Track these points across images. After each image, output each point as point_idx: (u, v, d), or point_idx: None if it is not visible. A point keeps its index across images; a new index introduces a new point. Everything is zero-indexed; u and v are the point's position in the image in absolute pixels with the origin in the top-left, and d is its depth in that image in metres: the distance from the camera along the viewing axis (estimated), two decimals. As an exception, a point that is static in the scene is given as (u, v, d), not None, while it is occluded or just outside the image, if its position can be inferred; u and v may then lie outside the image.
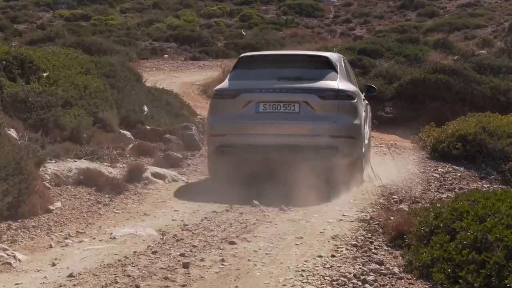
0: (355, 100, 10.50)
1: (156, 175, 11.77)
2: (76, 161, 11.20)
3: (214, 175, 10.94)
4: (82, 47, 27.84)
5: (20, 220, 8.52)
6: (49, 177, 10.16)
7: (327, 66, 10.59)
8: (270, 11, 62.74)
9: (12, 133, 11.03)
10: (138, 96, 17.11)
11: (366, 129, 11.42)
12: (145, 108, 16.97)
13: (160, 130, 15.60)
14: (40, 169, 10.06)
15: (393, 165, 12.90)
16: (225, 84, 10.75)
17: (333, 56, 11.28)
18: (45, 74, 14.15)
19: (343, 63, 11.23)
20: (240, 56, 11.46)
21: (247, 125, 10.18)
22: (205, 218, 9.31)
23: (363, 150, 10.99)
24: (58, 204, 9.31)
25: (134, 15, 57.46)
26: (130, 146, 14.02)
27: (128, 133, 14.92)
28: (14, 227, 8.26)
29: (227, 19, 58.27)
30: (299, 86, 10.06)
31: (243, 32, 49.36)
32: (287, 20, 56.42)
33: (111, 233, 8.41)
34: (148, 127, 15.67)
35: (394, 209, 9.88)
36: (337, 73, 10.57)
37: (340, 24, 57.08)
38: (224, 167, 10.54)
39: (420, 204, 10.21)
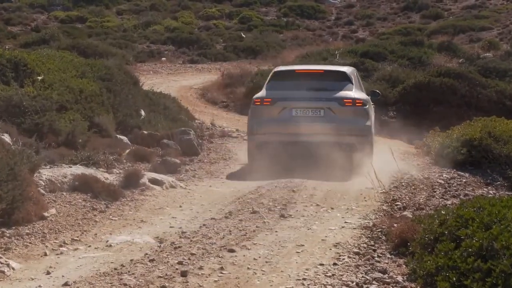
0: (367, 106, 13.27)
1: (153, 181, 11.78)
2: (71, 167, 11.20)
3: (252, 165, 13.28)
4: (78, 50, 27.86)
5: (14, 227, 8.52)
6: (43, 183, 10.16)
7: (345, 78, 13.30)
8: (270, 13, 62.79)
9: (6, 138, 11.05)
10: (135, 100, 17.13)
11: (373, 129, 13.88)
12: (142, 113, 16.99)
13: (158, 135, 15.61)
14: (35, 175, 10.06)
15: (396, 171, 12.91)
16: (263, 93, 13.26)
17: (348, 70, 14.07)
18: (39, 78, 14.17)
19: (355, 75, 13.96)
20: (274, 70, 14.16)
21: (283, 126, 12.75)
22: (204, 225, 9.32)
23: (372, 145, 13.54)
24: (53, 211, 9.32)
25: (131, 17, 57.51)
26: (127, 151, 14.03)
27: (124, 138, 14.93)
28: (8, 235, 8.27)
29: (226, 21, 58.33)
30: (323, 96, 12.79)
31: (243, 35, 49.40)
32: (288, 22, 56.46)
33: (107, 241, 8.41)
34: (145, 132, 15.68)
35: (398, 216, 9.89)
36: (352, 84, 13.35)
37: (342, 26, 57.12)
38: (261, 159, 12.97)
39: (424, 211, 10.21)
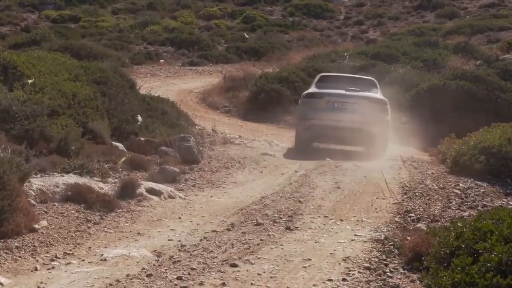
0: (387, 105, 17.61)
1: (151, 191, 11.78)
2: (63, 176, 11.21)
3: (298, 146, 17.82)
4: (71, 51, 27.91)
5: (2, 240, 8.52)
6: (34, 193, 10.17)
7: (372, 84, 18.23)
8: (275, 12, 62.88)
9: (-6, 145, 11.06)
10: (131, 104, 17.16)
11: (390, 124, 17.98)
12: (139, 118, 17.01)
13: (155, 142, 15.62)
14: (24, 185, 10.07)
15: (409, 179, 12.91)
16: (313, 89, 17.86)
17: (374, 79, 19.00)
18: (30, 81, 14.19)
19: (378, 83, 18.76)
20: (321, 75, 18.99)
21: (327, 115, 17.11)
22: (205, 238, 9.31)
23: (388, 138, 17.56)
24: (44, 222, 9.32)
25: (127, 16, 57.65)
26: (123, 159, 14.04)
27: (120, 145, 14.94)
28: (-4, 248, 8.27)
29: (228, 20, 58.43)
30: (357, 94, 17.26)
31: (246, 35, 49.48)
32: (294, 22, 56.54)
33: (102, 254, 8.41)
34: (142, 139, 15.70)
35: (411, 228, 9.88)
36: (378, 89, 18.15)
37: (352, 26, 57.18)
38: (306, 141, 17.76)
39: (439, 223, 10.20)
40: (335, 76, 19.13)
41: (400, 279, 7.65)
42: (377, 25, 56.52)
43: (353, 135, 17.10)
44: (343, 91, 17.32)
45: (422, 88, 23.90)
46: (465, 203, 11.96)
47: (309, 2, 63.17)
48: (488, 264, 6.36)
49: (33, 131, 12.73)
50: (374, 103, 17.35)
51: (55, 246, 8.70)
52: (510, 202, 12.26)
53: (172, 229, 9.85)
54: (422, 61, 30.44)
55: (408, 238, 8.78)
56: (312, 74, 28.14)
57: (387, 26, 56.14)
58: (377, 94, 17.73)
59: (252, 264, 8.02)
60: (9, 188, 8.73)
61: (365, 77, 19.43)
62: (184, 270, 7.69)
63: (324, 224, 10.32)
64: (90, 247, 8.78)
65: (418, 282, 7.49)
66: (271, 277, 7.54)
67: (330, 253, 8.63)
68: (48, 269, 7.89)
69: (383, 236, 9.46)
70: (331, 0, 66.12)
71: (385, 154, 16.91)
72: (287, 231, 9.83)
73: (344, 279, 7.52)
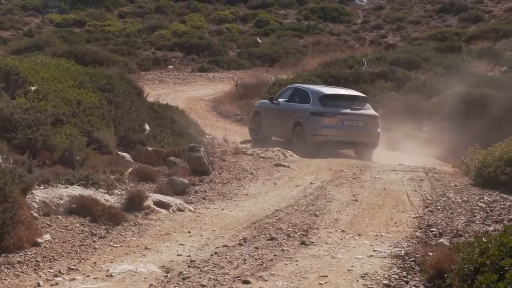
0: (379, 120, 20.93)
1: (159, 203, 11.80)
2: (67, 187, 11.25)
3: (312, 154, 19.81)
4: (75, 56, 28.06)
5: (3, 255, 8.55)
6: (37, 206, 10.20)
7: (366, 100, 21.44)
8: (289, 16, 62.98)
9: (-5, 155, 11.10)
10: (138, 113, 17.20)
11: None
12: (147, 127, 17.05)
13: (164, 152, 15.65)
14: (27, 197, 10.10)
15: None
16: (320, 108, 20.53)
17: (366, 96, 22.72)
18: (33, 88, 14.26)
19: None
20: (325, 94, 21.02)
21: (339, 131, 20.27)
22: (215, 253, 9.32)
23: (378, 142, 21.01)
24: (47, 236, 9.35)
25: (134, 20, 57.86)
26: (130, 170, 14.07)
27: (127, 155, 14.98)
28: (-3, 263, 8.30)
29: (240, 24, 58.57)
30: (361, 112, 20.59)
31: (259, 40, 49.58)
32: (309, 26, 56.61)
33: (108, 270, 8.43)
34: (149, 149, 15.73)
35: (433, 243, 9.85)
36: (369, 104, 21.39)
37: (370, 31, 57.20)
38: (320, 151, 19.83)
39: (463, 238, 10.17)
40: (339, 94, 21.50)
41: (421, 297, 7.63)
42: (396, 30, 56.50)
43: (359, 147, 20.74)
44: (349, 110, 20.60)
45: (445, 96, 23.84)
46: (490, 217, 11.93)
47: (325, 5, 63.28)
48: (515, 282, 6.33)
49: (36, 141, 12.78)
50: (373, 119, 20.73)
51: (58, 261, 8.72)
52: (537, 216, 12.21)
53: (181, 244, 9.86)
54: (444, 68, 30.37)
55: (430, 254, 8.75)
56: (328, 81, 28.22)
57: (407, 30, 56.12)
58: (372, 110, 21.12)
59: (266, 281, 8.02)
60: (10, 200, 8.77)
61: (360, 94, 22.39)
62: (194, 287, 7.68)
63: (341, 239, 10.30)
64: (95, 262, 8.80)
65: (440, 300, 7.47)
66: (285, 295, 7.54)
67: (348, 270, 8.61)
68: (52, 285, 7.91)
69: (403, 252, 9.44)
70: (348, 3, 66.16)
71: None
72: (302, 246, 9.82)
73: (362, 297, 7.51)
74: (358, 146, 20.61)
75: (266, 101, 23.41)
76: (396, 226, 11.20)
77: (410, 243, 10.08)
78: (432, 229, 10.91)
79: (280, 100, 22.23)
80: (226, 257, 9.06)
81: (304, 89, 21.77)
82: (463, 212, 12.30)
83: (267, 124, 22.24)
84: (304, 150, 19.82)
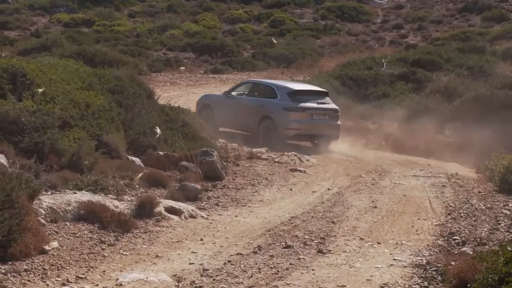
0: (339, 113, 22.78)
1: (170, 210, 11.82)
2: (76, 193, 11.28)
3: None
4: (84, 57, 28.12)
5: (10, 263, 8.58)
6: (44, 212, 10.24)
7: (327, 95, 23.13)
8: (306, 15, 63.00)
9: (1, 159, 11.15)
10: (149, 116, 17.23)
11: None
12: (158, 130, 17.07)
13: (175, 156, 15.67)
14: (34, 202, 10.14)
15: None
16: (292, 103, 22.11)
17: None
18: (40, 90, 14.30)
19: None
20: (294, 89, 22.70)
21: (308, 125, 21.94)
22: (229, 261, 9.32)
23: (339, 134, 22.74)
24: (55, 243, 9.37)
25: (145, 20, 58.00)
26: (140, 175, 14.10)
27: (137, 160, 15.00)
28: (3, 271, 8.33)
29: (254, 24, 58.61)
30: (326, 107, 22.41)
31: (274, 40, 49.59)
32: (326, 25, 56.60)
33: (117, 279, 8.45)
34: (161, 153, 15.76)
35: (456, 252, 9.83)
36: (329, 98, 23.21)
37: (390, 31, 57.12)
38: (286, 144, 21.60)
39: (487, 247, 10.13)
40: (306, 90, 23.35)
41: (443, 308, 7.60)
42: (417, 29, 56.40)
43: (324, 138, 22.33)
44: (316, 104, 22.34)
45: (468, 98, 23.77)
46: (516, 225, 11.89)
47: (343, 4, 63.20)
48: (542, 293, 6.31)
49: (43, 144, 12.82)
50: (335, 112, 22.50)
51: (66, 269, 8.75)
52: None
53: (194, 252, 9.87)
54: (467, 69, 30.32)
55: (453, 263, 8.73)
56: (346, 83, 28.19)
57: (429, 30, 56.02)
58: (333, 104, 22.89)
59: (281, 290, 8.01)
60: (17, 206, 8.80)
61: (322, 89, 24.08)
62: (207, 297, 7.69)
63: (359, 247, 10.28)
64: (104, 271, 8.81)
65: (463, 311, 7.45)
66: (301, 305, 7.53)
67: (367, 279, 8.59)
68: (59, 294, 7.93)
69: (424, 261, 9.42)
70: (367, 2, 66.07)
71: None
72: (319, 254, 9.81)
73: (382, 308, 7.49)
74: (323, 138, 22.29)
75: (217, 94, 25.46)
76: (417, 234, 11.18)
77: (432, 252, 10.05)
78: (455, 237, 10.88)
79: (234, 93, 23.59)
80: (240, 266, 9.06)
81: (268, 85, 23.42)
82: (487, 219, 12.26)
83: (220, 116, 23.08)
84: (273, 143, 21.04)
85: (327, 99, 22.86)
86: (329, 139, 22.31)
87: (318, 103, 22.39)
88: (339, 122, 22.50)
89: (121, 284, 8.26)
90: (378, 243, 10.58)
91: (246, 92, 23.49)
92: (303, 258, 9.54)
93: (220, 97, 24.04)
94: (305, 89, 23.45)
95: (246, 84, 24.51)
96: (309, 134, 22.43)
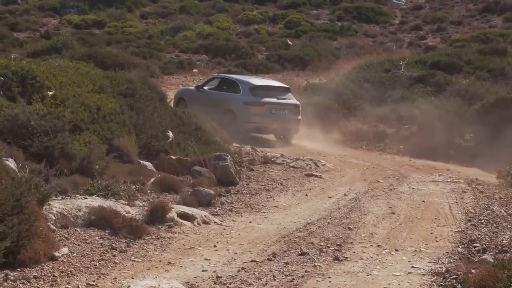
0: (300, 108, 24.45)
1: (183, 215, 11.83)
2: (86, 198, 11.31)
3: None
4: (95, 60, 28.32)
5: (19, 269, 8.60)
6: (54, 218, 10.27)
7: (289, 90, 24.91)
8: (322, 16, 63.00)
9: (11, 163, 11.19)
10: (161, 119, 17.27)
11: None
12: (170, 134, 17.10)
13: (188, 161, 15.69)
14: (44, 208, 10.17)
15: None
16: (251, 98, 23.84)
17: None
18: (50, 93, 14.37)
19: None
20: (255, 85, 24.43)
21: (267, 118, 23.59)
22: (243, 268, 9.32)
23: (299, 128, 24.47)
24: (65, 250, 9.40)
25: (157, 21, 58.17)
26: (152, 180, 14.12)
27: (149, 164, 15.03)
28: (12, 278, 8.35)
29: (269, 26, 58.66)
30: (286, 102, 24.13)
31: (289, 42, 49.61)
32: (343, 27, 56.58)
33: (129, 286, 8.46)
34: (173, 157, 15.78)
35: (476, 260, 9.79)
36: (291, 94, 24.96)
37: (408, 32, 57.04)
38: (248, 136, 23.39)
39: (508, 254, 10.09)
40: (267, 86, 25.00)
41: (463, 317, 7.58)
42: (436, 31, 56.31)
43: (284, 131, 24.05)
44: (276, 100, 24.02)
45: (488, 102, 23.67)
46: (538, 232, 11.84)
47: (360, 5, 63.17)
48: None
49: (53, 149, 12.86)
50: (295, 107, 24.15)
51: (77, 276, 8.77)
52: None
53: (207, 259, 9.87)
54: (488, 71, 30.23)
55: (473, 271, 8.70)
56: (363, 85, 28.16)
57: (448, 31, 55.89)
58: (295, 99, 24.54)
59: (296, 298, 8.00)
60: (27, 211, 8.83)
61: (286, 85, 25.84)
62: (220, 305, 7.69)
63: (377, 255, 10.27)
64: (115, 278, 8.83)
65: (484, 321, 7.42)
66: (317, 314, 7.52)
67: (384, 287, 8.57)
68: (69, 301, 7.95)
69: (444, 269, 9.39)
70: (385, 3, 66.00)
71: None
72: (336, 261, 9.80)
73: (400, 317, 7.48)
74: (283, 132, 24.07)
75: (191, 88, 27.70)
76: (436, 241, 11.15)
77: (451, 260, 10.02)
78: (475, 244, 10.85)
79: (206, 88, 25.57)
80: (254, 273, 9.06)
81: (233, 80, 25.26)
82: (509, 226, 12.22)
83: (193, 109, 23.73)
84: (236, 135, 22.32)
85: (289, 94, 24.57)
86: (289, 132, 24.04)
87: (278, 98, 24.10)
88: (299, 117, 24.26)
89: (132, 292, 8.27)
90: (396, 250, 10.56)
91: (214, 87, 25.40)
92: (319, 266, 9.53)
93: (193, 91, 25.93)
94: (266, 84, 25.22)
95: (216, 79, 26.48)
96: (268, 127, 23.89)
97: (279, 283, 8.62)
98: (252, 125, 23.88)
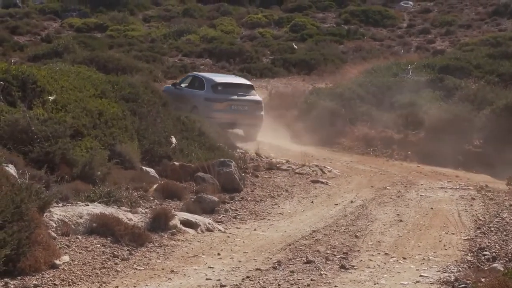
0: (262, 104, 26.16)
1: (186, 223, 11.83)
2: (88, 205, 11.31)
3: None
4: (97, 64, 28.34)
5: (19, 278, 8.61)
6: (55, 225, 10.27)
7: (252, 88, 26.62)
8: (328, 20, 63.05)
9: (11, 169, 11.20)
10: (164, 124, 17.29)
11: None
12: (173, 140, 17.12)
13: (191, 167, 15.69)
14: (44, 215, 10.18)
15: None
16: (212, 94, 25.45)
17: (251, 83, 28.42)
18: (51, 98, 14.38)
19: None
20: (217, 82, 26.00)
21: (227, 114, 25.06)
22: (247, 277, 9.32)
23: (262, 124, 25.98)
24: (66, 258, 9.41)
25: (160, 24, 58.28)
26: (154, 186, 14.13)
27: (151, 171, 15.04)
28: (12, 286, 8.36)
29: (274, 29, 58.70)
30: (246, 98, 25.57)
31: (295, 46, 49.64)
32: (350, 30, 56.62)
33: (131, 295, 8.46)
34: (176, 163, 15.78)
35: (486, 268, 9.78)
36: (255, 91, 26.75)
37: (416, 36, 57.05)
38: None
39: (519, 263, 10.08)
40: (228, 83, 26.54)
41: (473, 327, 7.57)
42: (445, 34, 56.32)
43: (246, 126, 25.58)
44: (236, 96, 25.49)
45: (498, 107, 23.68)
46: (549, 240, 11.83)
47: (367, 8, 63.23)
48: None
49: (54, 154, 12.88)
50: (257, 103, 25.72)
51: (78, 284, 8.77)
52: None
53: (210, 267, 9.87)
54: (497, 76, 30.22)
55: (482, 280, 8.69)
56: (370, 90, 28.15)
57: (457, 35, 55.90)
58: (257, 96, 26.35)
59: (302, 308, 8.00)
60: (27, 218, 8.83)
61: (249, 82, 27.89)
62: (224, 314, 7.69)
63: (384, 263, 10.25)
64: (117, 287, 8.84)
65: (494, 331, 7.41)
66: (323, 323, 7.52)
67: (392, 297, 8.57)
68: (70, 310, 7.95)
69: (453, 278, 9.38)
70: (392, 6, 66.02)
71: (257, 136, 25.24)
72: (342, 270, 9.79)
73: (407, 327, 7.48)
74: (244, 127, 25.71)
75: (170, 85, 28.91)
76: (445, 249, 11.14)
77: (460, 268, 10.01)
78: (485, 252, 10.83)
79: (182, 85, 27.18)
80: (259, 282, 9.06)
81: (200, 77, 27.15)
82: (519, 234, 12.21)
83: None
84: None
85: (252, 92, 26.29)
86: (250, 127, 25.59)
87: (238, 95, 25.69)
88: (262, 113, 25.87)
89: (134, 301, 8.27)
90: (404, 258, 10.54)
91: (188, 84, 27.00)
92: (325, 274, 9.53)
93: (170, 88, 27.41)
94: (228, 82, 26.78)
95: (189, 77, 28.09)
96: (229, 122, 25.22)
97: (284, 292, 8.62)
98: (213, 121, 24.30)
